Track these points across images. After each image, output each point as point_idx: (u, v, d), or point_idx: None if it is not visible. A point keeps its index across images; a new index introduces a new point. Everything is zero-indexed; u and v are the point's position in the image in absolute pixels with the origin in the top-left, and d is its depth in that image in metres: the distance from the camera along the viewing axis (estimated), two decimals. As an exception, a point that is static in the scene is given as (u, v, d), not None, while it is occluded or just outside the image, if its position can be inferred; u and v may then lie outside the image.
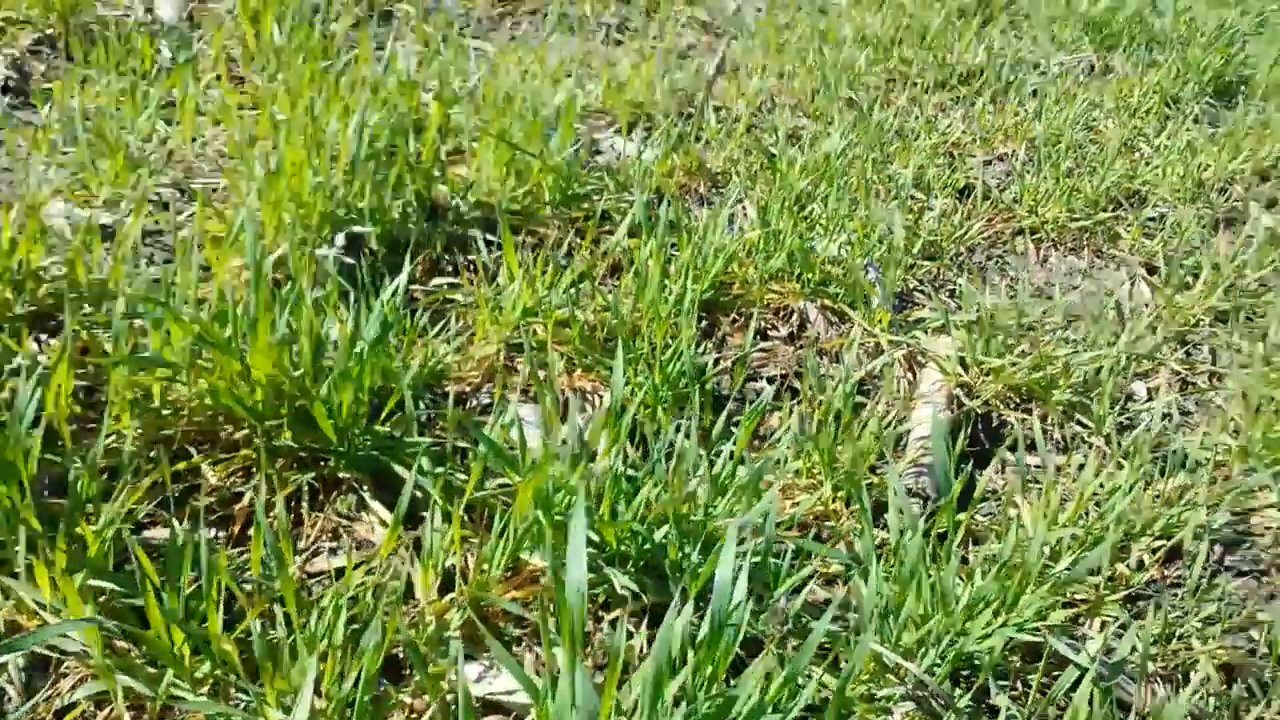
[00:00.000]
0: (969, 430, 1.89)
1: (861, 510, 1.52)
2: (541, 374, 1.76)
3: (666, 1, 3.66)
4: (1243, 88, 3.58)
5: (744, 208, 2.46)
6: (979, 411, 1.98)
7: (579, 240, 2.23)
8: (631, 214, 2.21)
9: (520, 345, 1.95)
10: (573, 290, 2.03)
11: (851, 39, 3.51)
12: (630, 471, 1.58)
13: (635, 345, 1.90)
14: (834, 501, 1.70)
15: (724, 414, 1.75)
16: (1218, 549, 1.72)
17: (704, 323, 2.09)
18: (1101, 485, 1.72)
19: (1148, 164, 3.00)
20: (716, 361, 2.00)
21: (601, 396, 1.88)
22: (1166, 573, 1.66)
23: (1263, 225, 2.65)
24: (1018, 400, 2.02)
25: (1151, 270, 2.54)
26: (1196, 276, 2.45)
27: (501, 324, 1.95)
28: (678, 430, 1.64)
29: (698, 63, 3.24)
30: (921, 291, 2.32)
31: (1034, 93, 3.37)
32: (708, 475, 1.55)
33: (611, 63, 3.06)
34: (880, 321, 2.13)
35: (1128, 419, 2.01)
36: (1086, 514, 1.68)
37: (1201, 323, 2.33)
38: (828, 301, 2.19)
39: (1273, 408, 1.93)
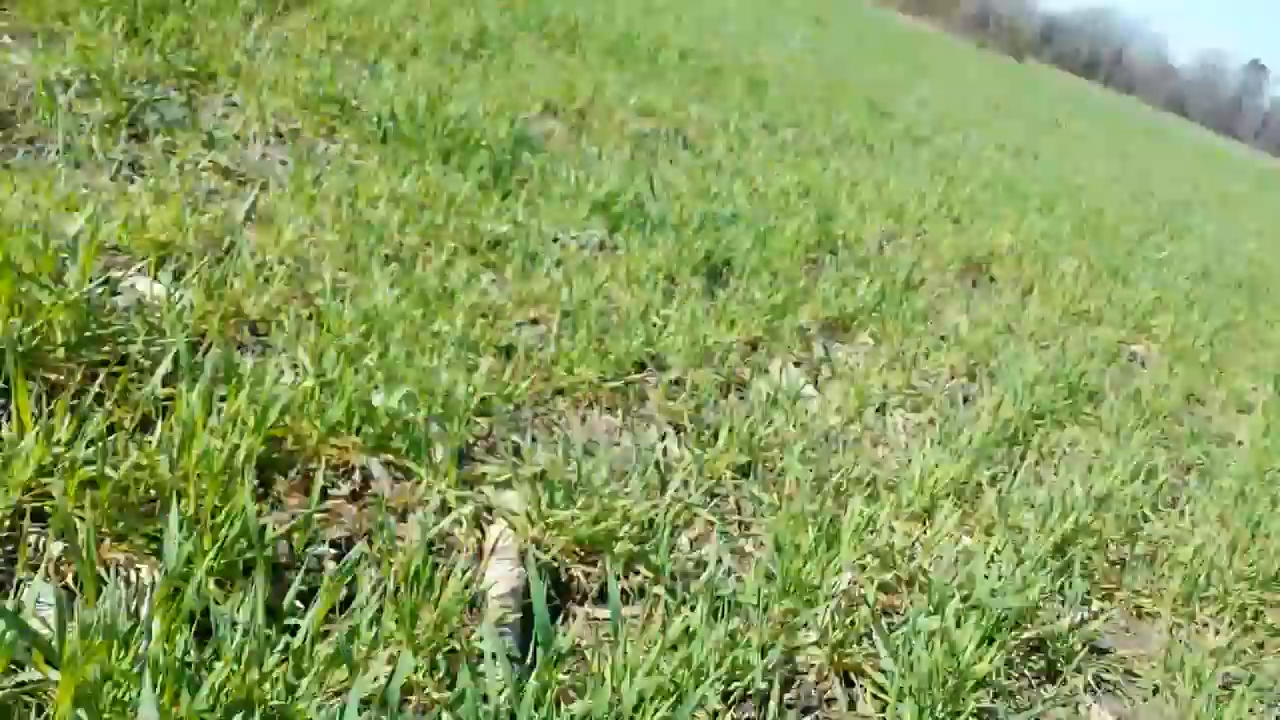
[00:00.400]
0: (543, 585, 1.87)
1: (472, 676, 1.42)
2: (74, 543, 1.47)
3: (184, 144, 3.42)
4: (728, 268, 4.06)
5: (292, 358, 2.31)
6: (551, 565, 1.97)
7: (103, 388, 1.95)
8: (168, 360, 1.99)
9: (32, 512, 1.64)
10: (100, 445, 1.75)
11: (385, 198, 3.50)
12: (190, 655, 1.36)
13: (181, 508, 1.67)
14: (416, 672, 1.58)
15: (292, 583, 1.58)
16: (775, 689, 1.83)
17: (256, 482, 1.90)
18: (684, 632, 1.77)
19: (661, 332, 3.27)
20: (274, 525, 1.81)
21: (139, 569, 1.62)
22: (737, 716, 1.73)
23: (763, 390, 2.98)
24: (583, 553, 2.04)
25: (679, 429, 2.74)
26: (717, 436, 2.68)
27: (9, 485, 1.63)
28: (240, 606, 1.45)
29: (226, 206, 3.04)
30: (479, 447, 2.30)
31: (558, 262, 3.56)
32: (288, 653, 1.38)
33: (129, 199, 2.78)
34: (446, 476, 2.07)
35: (680, 569, 2.10)
36: (659, 667, 1.71)
37: (725, 477, 2.53)
38: (391, 457, 2.09)
39: (801, 554, 2.12)
